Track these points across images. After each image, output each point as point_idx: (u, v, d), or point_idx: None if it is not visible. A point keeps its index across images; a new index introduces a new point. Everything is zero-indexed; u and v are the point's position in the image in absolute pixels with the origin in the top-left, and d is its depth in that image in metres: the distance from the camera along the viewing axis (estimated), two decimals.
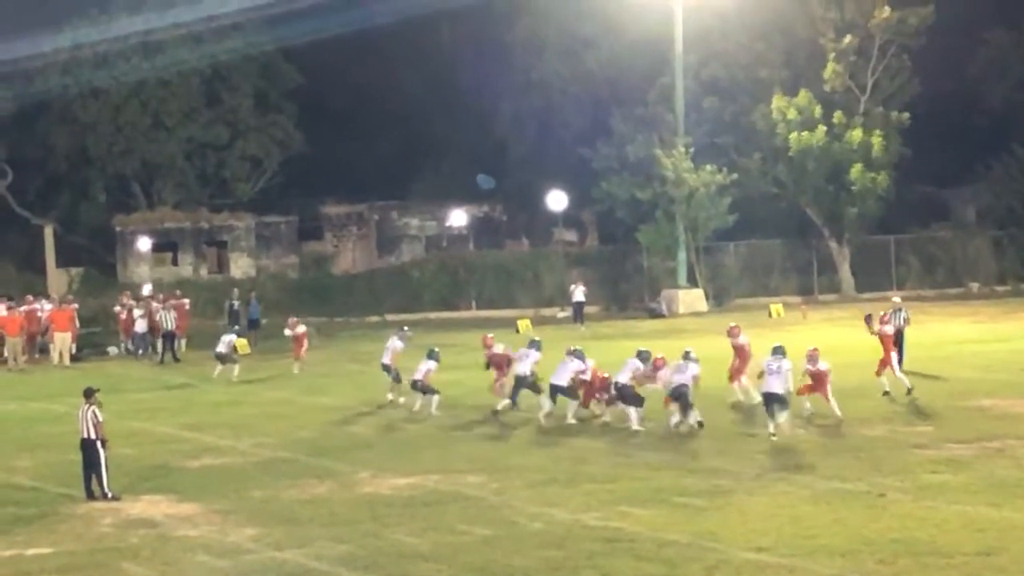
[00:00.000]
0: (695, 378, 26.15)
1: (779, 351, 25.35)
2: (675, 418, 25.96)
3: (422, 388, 29.25)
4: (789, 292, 60.74)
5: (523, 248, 69.09)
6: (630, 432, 26.09)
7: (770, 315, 51.52)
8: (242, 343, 45.02)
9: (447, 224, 71.26)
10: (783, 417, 24.71)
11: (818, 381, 26.48)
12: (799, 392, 26.60)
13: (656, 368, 27.06)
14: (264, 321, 51.17)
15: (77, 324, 45.66)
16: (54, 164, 67.70)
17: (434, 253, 68.00)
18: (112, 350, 47.16)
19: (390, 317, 56.94)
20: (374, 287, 61.69)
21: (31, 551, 18.26)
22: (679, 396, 25.85)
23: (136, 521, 19.85)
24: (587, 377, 27.54)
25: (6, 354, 43.24)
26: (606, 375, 27.39)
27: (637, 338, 37.97)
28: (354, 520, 19.36)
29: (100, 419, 21.49)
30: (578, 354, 27.58)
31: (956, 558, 16.20)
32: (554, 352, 29.49)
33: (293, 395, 33.68)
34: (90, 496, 21.32)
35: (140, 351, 45.81)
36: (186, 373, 40.08)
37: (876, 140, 58.77)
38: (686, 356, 26.56)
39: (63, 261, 68.09)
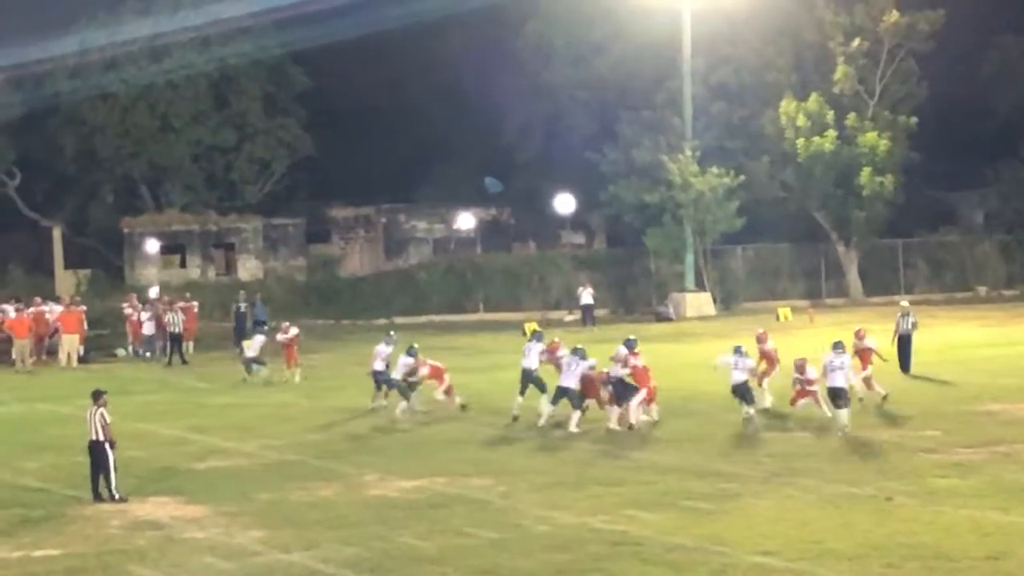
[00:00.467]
0: (752, 370, 27.21)
1: (839, 346, 26.33)
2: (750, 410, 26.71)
3: (400, 386, 29.25)
4: (797, 296, 60.68)
5: (530, 251, 69.05)
6: (632, 433, 26.16)
7: (778, 319, 51.51)
8: (249, 345, 45.09)
9: (455, 227, 71.23)
10: (846, 417, 25.47)
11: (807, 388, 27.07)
12: (791, 403, 27.23)
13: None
14: (272, 324, 51.21)
15: (85, 326, 45.70)
16: (62, 166, 67.71)
17: (441, 256, 67.96)
18: (120, 352, 47.20)
19: (397, 320, 56.94)
20: (381, 290, 61.67)
21: (38, 553, 18.28)
22: (739, 391, 26.74)
23: (143, 523, 19.87)
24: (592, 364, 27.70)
25: (14, 356, 43.26)
26: (605, 371, 27.58)
27: (644, 341, 37.78)
28: (361, 522, 19.37)
29: (108, 421, 21.54)
30: (580, 353, 27.63)
31: (963, 562, 16.18)
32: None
33: (300, 397, 33.70)
34: (97, 498, 21.35)
35: (148, 353, 45.86)
36: (194, 375, 40.11)
37: (883, 144, 58.75)
38: (736, 351, 27.20)
39: (71, 263, 68.14)
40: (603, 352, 29.10)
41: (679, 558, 16.74)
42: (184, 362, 43.50)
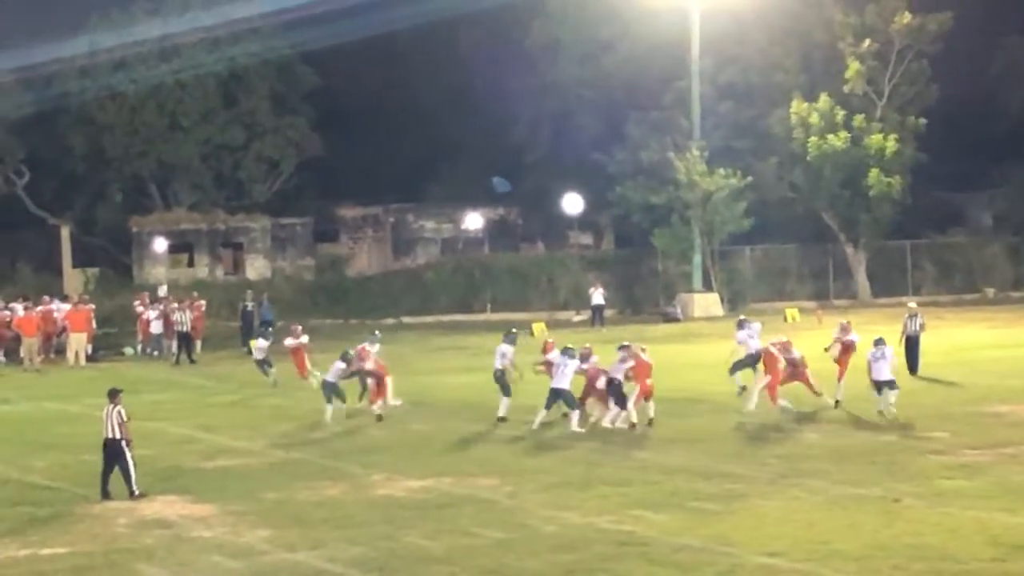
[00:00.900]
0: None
1: (881, 342, 27.59)
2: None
3: (333, 389, 29.27)
4: (804, 297, 60.64)
5: (538, 251, 69.03)
6: (639, 434, 26.19)
7: (785, 319, 51.51)
8: (254, 346, 45.13)
9: (463, 227, 71.23)
10: (894, 397, 27.07)
11: (797, 370, 28.41)
12: (772, 395, 28.19)
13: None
14: (279, 323, 51.23)
15: (94, 325, 45.78)
16: (71, 165, 67.79)
17: (449, 256, 67.97)
18: (128, 351, 47.28)
19: (405, 319, 57.00)
20: (389, 289, 61.71)
21: (46, 551, 18.31)
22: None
23: (151, 522, 19.90)
24: (591, 363, 27.76)
25: (22, 354, 43.35)
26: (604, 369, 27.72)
27: (652, 342, 37.87)
28: (368, 522, 19.39)
29: (125, 419, 21.65)
30: (570, 353, 27.68)
31: (970, 564, 16.18)
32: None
33: (307, 397, 33.69)
34: (106, 496, 21.40)
35: (155, 352, 45.94)
36: (201, 374, 40.14)
37: (891, 145, 58.72)
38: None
39: (79, 262, 68.21)
40: (607, 353, 29.12)
41: (686, 559, 16.75)
42: (192, 361, 43.55)
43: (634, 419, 26.91)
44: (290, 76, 68.62)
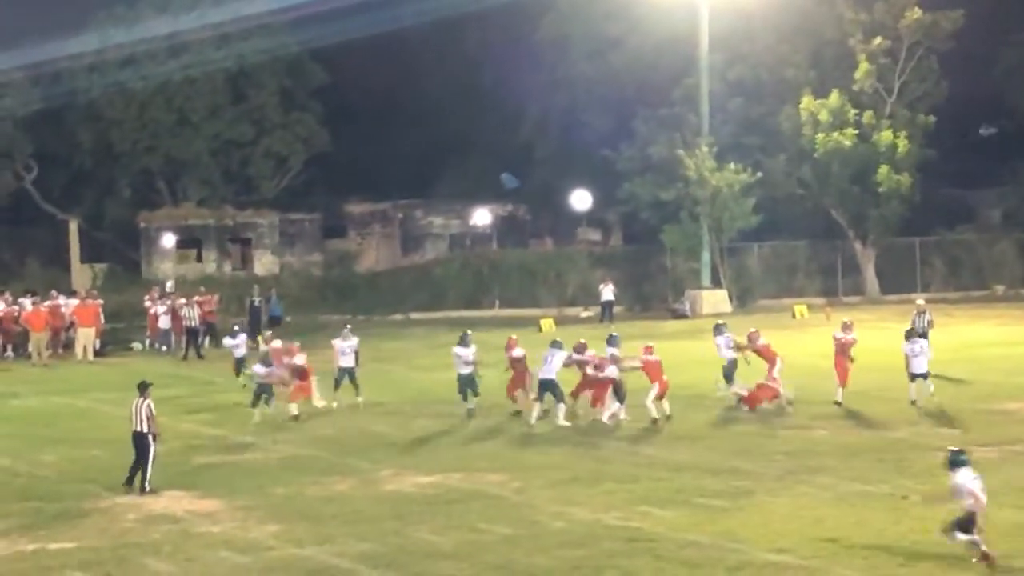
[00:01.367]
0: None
1: (913, 334, 29.21)
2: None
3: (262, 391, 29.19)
4: (813, 293, 60.55)
5: (547, 247, 69.00)
6: (648, 430, 26.22)
7: (794, 316, 51.45)
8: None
9: (471, 223, 71.25)
10: (932, 388, 28.27)
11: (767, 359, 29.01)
12: (752, 404, 28.55)
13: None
14: (288, 318, 51.29)
15: (102, 320, 45.82)
16: (79, 160, 67.85)
17: (458, 252, 67.96)
18: (136, 346, 47.31)
19: (414, 315, 57.00)
20: (398, 285, 61.69)
21: (54, 546, 18.35)
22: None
23: (159, 517, 19.93)
24: (584, 357, 27.86)
25: (30, 349, 43.38)
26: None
27: (660, 339, 37.86)
28: (376, 518, 19.40)
29: (154, 413, 21.82)
30: (558, 345, 27.75)
31: (980, 562, 16.14)
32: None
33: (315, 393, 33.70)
34: (128, 483, 21.47)
35: (164, 347, 45.99)
36: (209, 370, 40.13)
37: (900, 142, 58.64)
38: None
39: (87, 257, 68.27)
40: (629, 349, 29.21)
41: (694, 555, 16.74)
42: (200, 356, 43.55)
43: (655, 415, 27.08)
44: (299, 72, 68.64)
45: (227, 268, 66.08)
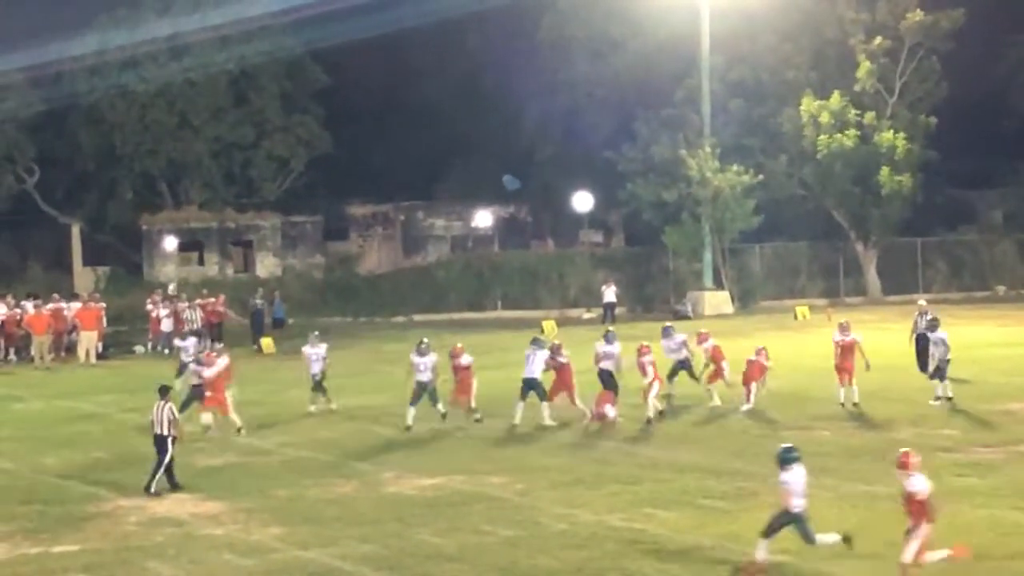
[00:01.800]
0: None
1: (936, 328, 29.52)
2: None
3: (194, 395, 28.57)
4: (815, 294, 60.60)
5: (548, 249, 69.04)
6: (649, 432, 26.23)
7: (795, 317, 51.45)
8: (267, 342, 45.19)
9: (473, 224, 71.29)
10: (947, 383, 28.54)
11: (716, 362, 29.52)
12: (709, 380, 29.44)
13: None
14: (290, 321, 51.30)
15: (104, 323, 45.83)
16: (81, 163, 67.90)
17: (459, 254, 68.02)
18: (138, 349, 47.33)
19: (416, 317, 57.02)
20: (399, 287, 61.75)
21: (57, 549, 18.35)
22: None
23: (161, 519, 19.92)
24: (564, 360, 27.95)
25: (33, 352, 43.43)
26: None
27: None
28: (379, 520, 19.40)
29: (176, 416, 21.91)
30: (538, 343, 27.95)
31: (983, 562, 16.14)
32: (581, 354, 29.52)
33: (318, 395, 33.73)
34: (175, 487, 21.75)
35: (166, 350, 45.97)
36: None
37: (901, 143, 58.66)
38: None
39: (89, 260, 68.30)
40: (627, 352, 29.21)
41: (696, 557, 16.74)
42: None
43: (651, 413, 27.41)
44: (300, 74, 68.66)
45: (229, 271, 66.09)
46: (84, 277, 65.55)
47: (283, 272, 65.15)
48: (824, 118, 58.33)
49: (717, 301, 57.29)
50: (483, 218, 70.70)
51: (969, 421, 26.45)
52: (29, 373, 41.39)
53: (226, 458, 24.97)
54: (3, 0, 63.57)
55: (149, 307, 47.88)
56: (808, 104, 58.69)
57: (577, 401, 27.65)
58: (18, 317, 44.81)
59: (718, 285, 58.44)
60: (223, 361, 28.14)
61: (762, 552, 15.96)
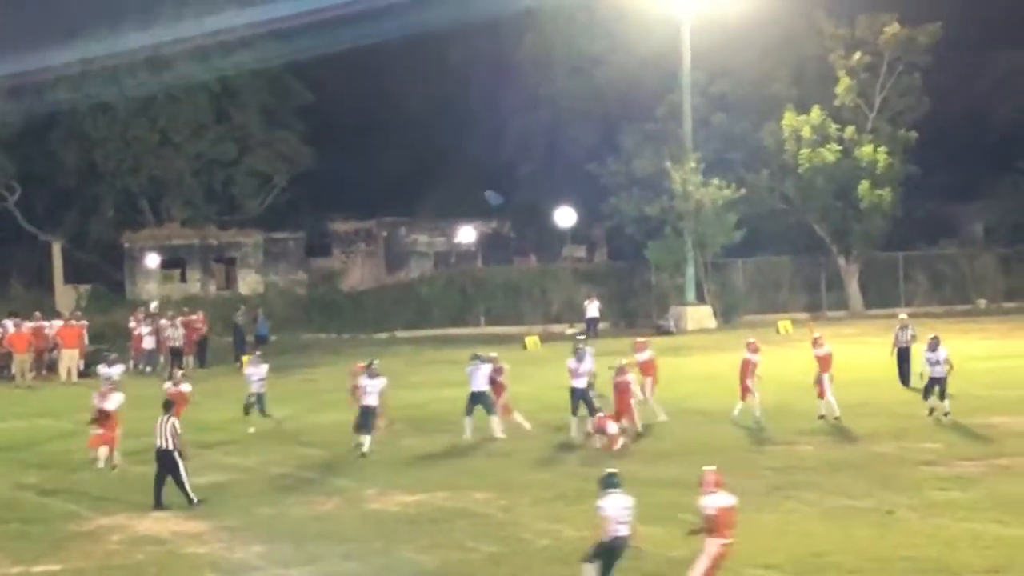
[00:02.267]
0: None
1: (936, 340, 29.27)
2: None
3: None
4: (797, 309, 60.67)
5: (531, 264, 69.04)
6: (628, 449, 26.24)
7: (778, 332, 51.51)
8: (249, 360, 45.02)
9: (455, 240, 71.28)
10: (947, 400, 28.50)
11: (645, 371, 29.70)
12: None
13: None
14: (273, 338, 51.21)
15: (86, 341, 45.70)
16: (62, 180, 67.63)
17: (442, 269, 67.98)
18: (102, 368, 47.04)
19: (399, 333, 56.97)
20: (382, 303, 61.69)
21: (38, 568, 18.28)
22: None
23: (144, 538, 19.87)
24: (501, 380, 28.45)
25: (14, 371, 43.28)
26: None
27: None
28: (361, 537, 19.36)
29: (179, 431, 21.95)
30: (480, 358, 28.27)
31: (964, 575, 16.17)
32: (557, 369, 29.52)
33: (300, 412, 33.71)
34: (159, 506, 21.72)
35: (148, 368, 45.82)
36: (194, 390, 39.97)
37: (881, 157, 58.82)
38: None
39: (71, 278, 68.05)
40: (600, 364, 29.16)
41: (680, 571, 16.72)
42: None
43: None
44: (281, 90, 68.60)
45: (211, 288, 65.92)
46: (66, 295, 65.33)
47: (265, 289, 64.98)
48: (806, 132, 58.49)
49: (700, 316, 57.34)
50: (466, 234, 70.70)
51: (951, 434, 26.53)
52: (10, 392, 41.24)
53: (208, 476, 24.89)
54: None
55: (132, 325, 47.76)
56: (790, 119, 58.85)
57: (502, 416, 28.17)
58: None
59: (700, 300, 58.48)
60: (118, 397, 26.94)
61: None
